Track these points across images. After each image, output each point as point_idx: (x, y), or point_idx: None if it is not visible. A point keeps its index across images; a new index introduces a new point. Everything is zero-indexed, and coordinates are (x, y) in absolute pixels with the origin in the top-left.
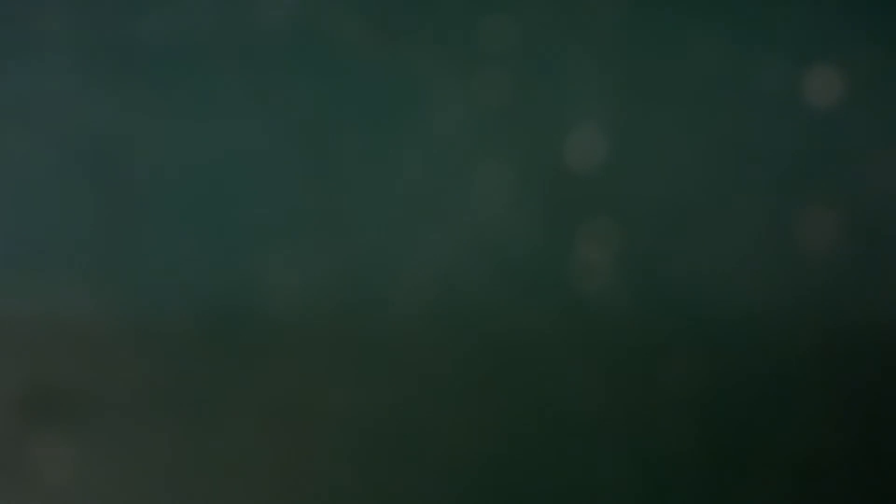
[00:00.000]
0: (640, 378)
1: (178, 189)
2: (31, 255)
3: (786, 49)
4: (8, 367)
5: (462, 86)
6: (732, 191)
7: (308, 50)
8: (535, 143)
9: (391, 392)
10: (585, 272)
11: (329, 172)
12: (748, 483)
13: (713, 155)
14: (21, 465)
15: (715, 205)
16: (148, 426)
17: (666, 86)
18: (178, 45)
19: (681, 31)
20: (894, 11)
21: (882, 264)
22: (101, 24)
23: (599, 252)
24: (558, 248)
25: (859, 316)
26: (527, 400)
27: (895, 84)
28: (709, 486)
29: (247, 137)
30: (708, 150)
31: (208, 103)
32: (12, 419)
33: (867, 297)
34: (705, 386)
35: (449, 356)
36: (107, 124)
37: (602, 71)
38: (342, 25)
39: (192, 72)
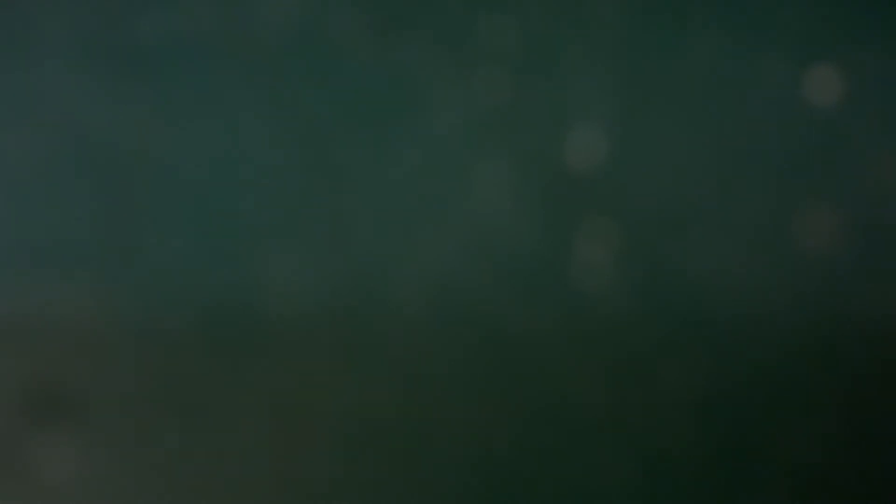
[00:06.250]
0: (640, 378)
1: (178, 189)
2: (31, 255)
3: (786, 49)
4: (8, 367)
5: (462, 85)
6: (732, 191)
7: (308, 50)
8: (535, 142)
9: (391, 392)
10: (585, 272)
11: (329, 172)
12: (748, 483)
13: (713, 155)
14: (21, 464)
15: (715, 205)
16: (148, 426)
17: (666, 86)
18: (178, 45)
19: (681, 31)
20: (894, 11)
21: (882, 264)
22: (101, 24)
23: (599, 252)
24: (558, 248)
25: (859, 316)
26: (527, 399)
27: (895, 84)
28: (709, 486)
29: (247, 137)
30: (708, 149)
31: (208, 103)
32: (12, 419)
33: (867, 297)
34: (705, 386)
35: (449, 356)
36: (107, 124)
37: (602, 71)
38: (342, 25)
39: (192, 72)
